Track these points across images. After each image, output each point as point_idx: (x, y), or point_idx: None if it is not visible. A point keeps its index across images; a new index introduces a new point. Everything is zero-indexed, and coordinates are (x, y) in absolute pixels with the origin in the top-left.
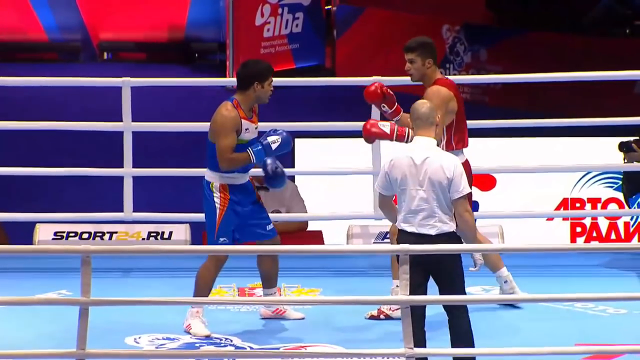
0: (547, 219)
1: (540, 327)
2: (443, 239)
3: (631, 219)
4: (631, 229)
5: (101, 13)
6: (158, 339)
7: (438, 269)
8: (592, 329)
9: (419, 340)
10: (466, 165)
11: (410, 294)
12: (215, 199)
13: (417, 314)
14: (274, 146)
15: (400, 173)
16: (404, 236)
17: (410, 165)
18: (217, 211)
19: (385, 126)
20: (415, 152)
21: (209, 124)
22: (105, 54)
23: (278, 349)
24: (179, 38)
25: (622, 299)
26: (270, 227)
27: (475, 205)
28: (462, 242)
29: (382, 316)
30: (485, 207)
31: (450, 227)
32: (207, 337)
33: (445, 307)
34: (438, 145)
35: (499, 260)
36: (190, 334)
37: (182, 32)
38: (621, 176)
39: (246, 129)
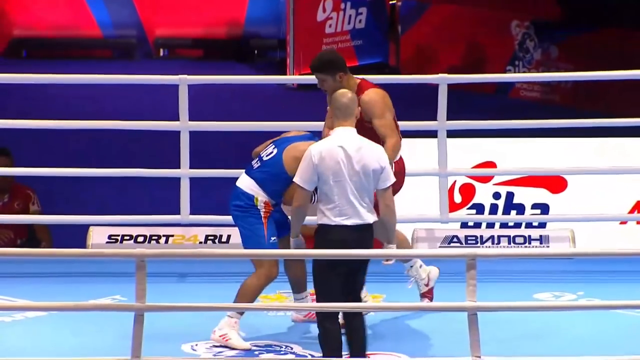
0: (621, 223)
1: (611, 336)
2: (368, 228)
3: None
4: None
5: (157, 9)
6: (216, 347)
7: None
8: None
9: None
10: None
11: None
12: (260, 209)
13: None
14: None
15: (334, 164)
16: (340, 231)
17: (344, 155)
18: (262, 219)
19: None
20: (344, 142)
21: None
22: (161, 50)
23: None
24: (237, 34)
25: None
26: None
27: (545, 208)
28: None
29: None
30: (555, 210)
31: (374, 215)
32: (248, 350)
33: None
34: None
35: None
36: (226, 346)
37: (240, 28)
38: None
39: None
